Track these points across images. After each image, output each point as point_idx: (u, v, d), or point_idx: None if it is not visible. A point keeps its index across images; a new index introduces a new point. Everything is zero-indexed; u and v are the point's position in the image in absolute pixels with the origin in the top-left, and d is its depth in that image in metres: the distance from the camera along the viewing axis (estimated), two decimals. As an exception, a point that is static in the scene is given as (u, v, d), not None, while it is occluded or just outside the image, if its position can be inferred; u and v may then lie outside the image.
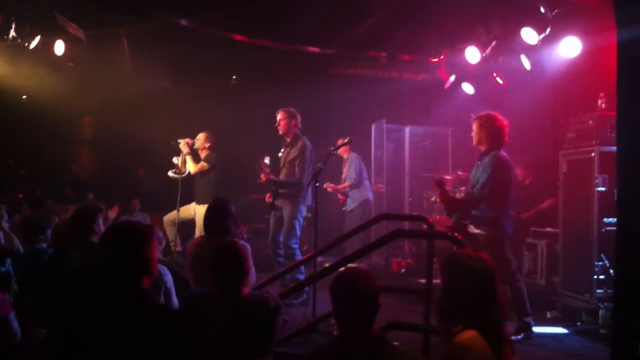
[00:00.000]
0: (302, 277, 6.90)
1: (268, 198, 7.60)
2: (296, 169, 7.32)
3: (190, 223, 8.53)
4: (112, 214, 8.89)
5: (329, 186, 10.34)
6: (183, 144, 8.39)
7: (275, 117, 7.52)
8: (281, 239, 7.40)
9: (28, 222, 5.68)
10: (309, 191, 7.42)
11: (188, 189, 8.54)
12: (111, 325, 2.62)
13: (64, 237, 4.96)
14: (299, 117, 7.48)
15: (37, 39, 8.51)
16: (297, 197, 7.39)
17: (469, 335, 2.88)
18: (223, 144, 8.87)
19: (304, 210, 7.65)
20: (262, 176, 7.42)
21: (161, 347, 2.61)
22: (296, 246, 7.36)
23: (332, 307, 3.02)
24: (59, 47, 8.83)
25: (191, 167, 8.40)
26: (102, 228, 4.90)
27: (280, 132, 7.49)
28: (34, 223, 5.59)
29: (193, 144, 8.49)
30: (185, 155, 8.41)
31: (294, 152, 7.37)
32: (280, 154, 7.64)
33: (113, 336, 2.60)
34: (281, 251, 7.42)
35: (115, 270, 2.76)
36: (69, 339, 2.64)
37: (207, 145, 8.58)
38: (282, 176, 7.45)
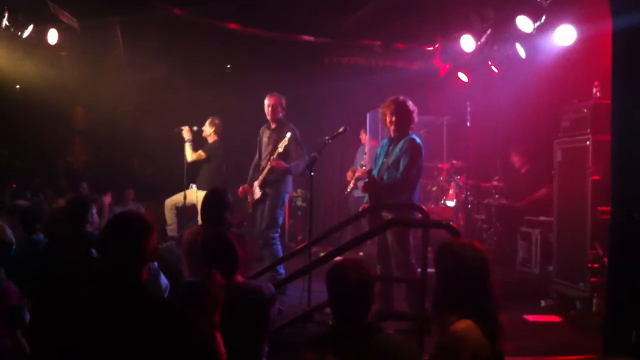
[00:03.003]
0: (282, 271, 6.75)
1: (240, 192, 7.36)
2: (295, 155, 7.09)
3: (191, 208, 8.53)
4: (107, 199, 8.85)
5: (359, 171, 10.32)
6: (186, 131, 8.36)
7: (265, 102, 7.29)
8: (262, 226, 7.18)
9: (24, 213, 5.65)
10: (290, 179, 7.28)
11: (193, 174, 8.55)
12: (110, 316, 2.62)
13: (58, 227, 4.93)
14: (284, 103, 7.29)
15: (30, 28, 8.44)
16: (281, 184, 7.18)
17: (464, 325, 2.88)
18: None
19: (286, 198, 7.45)
20: (272, 162, 7.11)
21: (162, 341, 2.61)
22: (276, 235, 7.14)
23: (328, 296, 3.03)
24: (52, 37, 8.77)
25: (188, 156, 8.37)
26: (97, 218, 4.89)
27: (270, 118, 7.26)
28: (30, 213, 5.56)
29: (195, 131, 8.46)
30: (186, 142, 8.37)
31: (284, 139, 7.10)
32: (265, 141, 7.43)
33: (111, 328, 2.60)
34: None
35: (119, 261, 2.76)
36: (65, 331, 2.63)
37: (211, 130, 8.52)
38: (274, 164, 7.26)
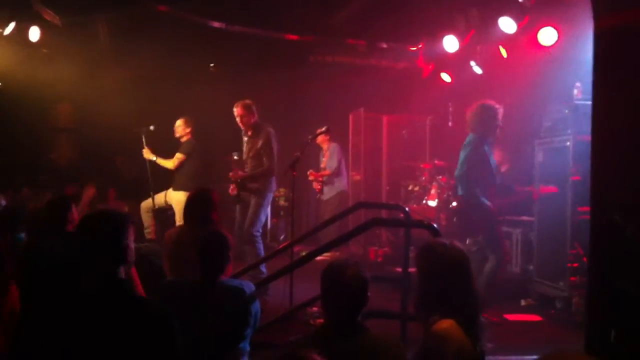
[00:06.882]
0: (264, 269, 6.76)
1: (232, 190, 7.40)
2: (264, 159, 7.15)
3: (166, 210, 8.49)
4: (90, 192, 8.78)
5: (311, 173, 10.34)
6: (146, 153, 8.37)
7: (234, 112, 7.28)
8: (246, 224, 7.17)
9: (5, 212, 5.61)
10: (273, 178, 7.30)
11: (162, 176, 8.49)
12: (89, 315, 2.60)
13: (38, 226, 4.91)
14: (254, 108, 7.28)
15: (12, 25, 8.37)
16: (264, 186, 7.22)
17: (446, 324, 2.90)
18: (201, 131, 8.80)
19: (270, 197, 7.47)
20: (231, 174, 7.31)
21: (143, 338, 2.60)
22: (258, 233, 7.13)
23: (321, 294, 3.04)
24: (34, 34, 8.69)
25: (169, 165, 8.32)
26: (77, 217, 4.87)
27: (243, 128, 7.28)
28: (12, 212, 5.53)
29: (152, 130, 8.42)
30: (155, 160, 8.36)
31: (259, 142, 7.16)
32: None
33: (92, 327, 2.58)
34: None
35: (92, 259, 2.73)
36: (46, 330, 2.62)
37: (187, 131, 8.46)
38: (248, 168, 7.31)
